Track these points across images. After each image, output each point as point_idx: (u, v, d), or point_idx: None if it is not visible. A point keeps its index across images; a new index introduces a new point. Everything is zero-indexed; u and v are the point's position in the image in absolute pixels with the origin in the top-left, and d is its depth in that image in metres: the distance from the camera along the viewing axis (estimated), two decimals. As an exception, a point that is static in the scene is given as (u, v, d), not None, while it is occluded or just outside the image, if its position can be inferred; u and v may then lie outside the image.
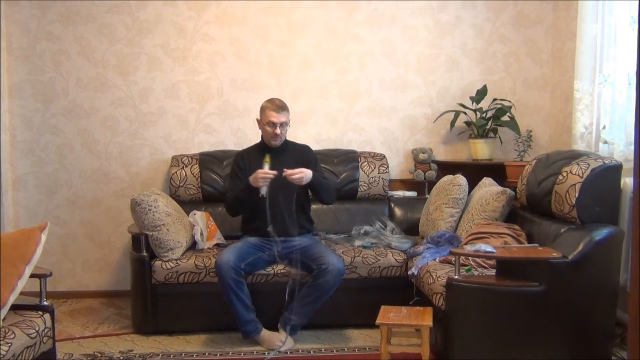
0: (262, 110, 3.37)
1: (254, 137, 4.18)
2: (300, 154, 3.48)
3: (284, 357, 3.08)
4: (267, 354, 3.07)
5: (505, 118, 4.10)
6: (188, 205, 3.88)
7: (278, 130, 3.33)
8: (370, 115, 4.30)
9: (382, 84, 4.29)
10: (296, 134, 4.06)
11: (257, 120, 3.42)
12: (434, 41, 4.29)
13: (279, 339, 3.12)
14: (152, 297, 3.36)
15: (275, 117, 3.31)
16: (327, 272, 3.12)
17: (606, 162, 2.89)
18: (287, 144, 3.49)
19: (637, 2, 2.98)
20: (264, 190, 3.16)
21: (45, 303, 2.51)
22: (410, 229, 3.93)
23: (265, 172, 3.15)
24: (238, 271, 3.12)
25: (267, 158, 3.23)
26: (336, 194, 3.57)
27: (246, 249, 3.29)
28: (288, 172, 3.14)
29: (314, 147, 3.87)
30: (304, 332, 3.28)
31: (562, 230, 2.90)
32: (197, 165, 3.99)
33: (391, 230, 3.81)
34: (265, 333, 3.17)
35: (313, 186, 3.32)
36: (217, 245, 3.64)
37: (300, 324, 3.19)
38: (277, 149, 3.39)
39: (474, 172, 3.91)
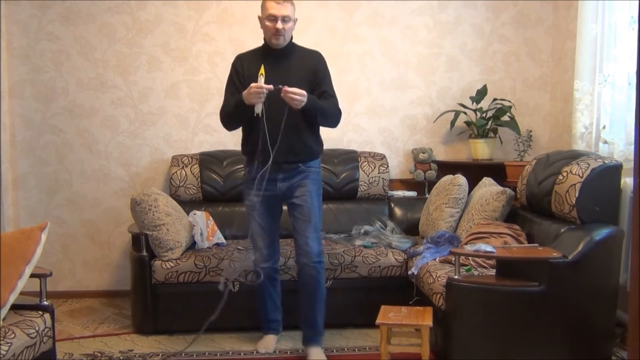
0: (262, 3, 2.91)
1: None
2: (308, 61, 2.97)
3: (284, 357, 3.08)
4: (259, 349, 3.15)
5: (505, 118, 4.10)
6: (188, 205, 3.88)
7: (280, 25, 2.83)
8: (371, 115, 4.30)
9: (382, 84, 4.29)
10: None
11: (259, 17, 2.95)
12: (433, 41, 4.29)
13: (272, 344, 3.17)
14: (152, 297, 3.36)
15: (276, 9, 2.83)
16: (302, 267, 2.98)
17: (606, 162, 2.89)
18: (294, 47, 2.99)
19: (637, 2, 2.98)
20: (258, 108, 2.74)
21: (45, 303, 2.51)
22: (410, 229, 3.93)
23: (259, 86, 2.70)
24: (273, 267, 3.14)
25: (262, 70, 2.75)
26: (338, 120, 3.03)
27: (267, 229, 3.04)
28: (287, 89, 2.69)
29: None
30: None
31: (562, 230, 2.90)
32: (197, 165, 3.99)
33: (391, 230, 3.81)
34: (272, 337, 3.21)
35: (309, 111, 2.84)
36: (217, 245, 3.64)
37: (319, 334, 3.05)
38: (280, 52, 2.93)
39: (474, 172, 3.91)
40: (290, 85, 2.73)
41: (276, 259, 3.16)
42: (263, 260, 3.06)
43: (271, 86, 2.69)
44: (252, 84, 2.72)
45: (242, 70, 2.96)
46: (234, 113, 2.89)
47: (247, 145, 3.00)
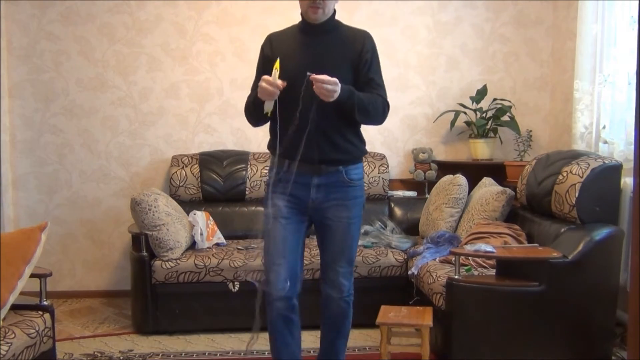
0: None
1: (254, 137, 4.19)
2: (352, 41, 2.35)
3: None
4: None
5: (505, 118, 4.10)
6: (188, 205, 3.88)
7: None
8: (370, 115, 4.29)
9: (382, 84, 4.28)
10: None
11: None
12: (434, 41, 4.29)
13: None
14: (152, 297, 3.36)
15: None
16: (331, 301, 2.41)
17: (606, 162, 2.89)
18: (336, 25, 2.41)
19: (637, 2, 2.98)
20: (268, 106, 2.23)
21: (45, 303, 2.51)
22: (410, 229, 3.93)
23: (269, 80, 2.16)
24: (291, 303, 2.36)
25: (277, 63, 2.18)
26: (384, 117, 2.41)
27: (289, 247, 2.34)
28: (315, 77, 2.12)
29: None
30: (304, 332, 3.24)
31: (562, 230, 2.90)
32: (197, 165, 3.99)
33: (391, 230, 3.81)
34: None
35: (344, 105, 2.23)
36: (217, 245, 3.64)
37: None
38: (319, 29, 2.36)
39: (474, 172, 3.91)
40: (327, 71, 2.15)
41: (295, 291, 2.35)
42: (277, 290, 2.30)
43: (283, 82, 2.17)
44: (263, 77, 2.19)
45: (270, 54, 2.35)
46: (253, 110, 2.37)
47: (274, 140, 2.35)
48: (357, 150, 2.41)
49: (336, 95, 2.15)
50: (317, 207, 2.34)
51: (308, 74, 2.14)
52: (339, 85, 2.15)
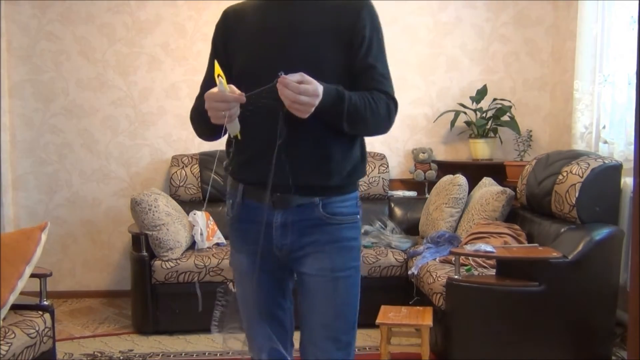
0: None
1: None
2: (341, 12, 1.57)
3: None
4: None
5: (505, 118, 4.10)
6: (188, 205, 3.88)
7: None
8: (370, 115, 4.30)
9: (382, 84, 4.28)
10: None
11: None
12: (434, 41, 4.29)
13: None
14: (152, 297, 3.36)
15: None
16: None
17: (606, 162, 2.89)
18: None
19: (637, 2, 2.98)
20: (233, 129, 1.48)
21: (45, 303, 2.51)
22: (410, 229, 3.93)
23: (215, 96, 1.41)
24: None
25: (217, 67, 1.42)
26: (389, 123, 1.71)
27: (263, 310, 1.69)
28: (284, 81, 1.37)
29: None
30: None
31: (562, 230, 2.90)
32: (197, 165, 3.99)
33: (391, 230, 3.81)
34: None
35: (327, 116, 1.49)
36: (217, 245, 3.64)
37: None
38: None
39: (474, 172, 3.91)
40: (303, 59, 1.50)
41: (289, 354, 1.75)
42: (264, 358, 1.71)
43: (240, 93, 1.41)
44: (208, 94, 1.42)
45: (228, 35, 1.72)
46: (202, 122, 1.54)
47: (230, 159, 1.63)
48: (346, 172, 1.58)
49: (312, 109, 1.40)
50: (288, 256, 1.61)
51: (280, 73, 1.38)
52: (320, 93, 1.40)
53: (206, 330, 3.49)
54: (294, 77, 1.38)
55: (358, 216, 1.65)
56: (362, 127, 1.59)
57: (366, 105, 1.54)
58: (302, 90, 1.37)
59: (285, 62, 1.45)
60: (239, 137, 1.52)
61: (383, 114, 1.61)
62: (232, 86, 1.43)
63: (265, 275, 1.63)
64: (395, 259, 3.47)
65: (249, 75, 1.55)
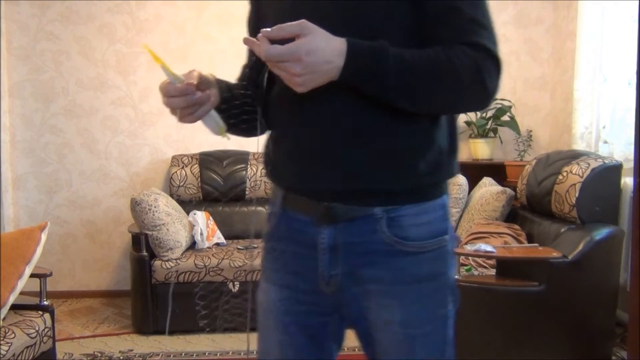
0: None
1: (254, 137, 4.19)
2: None
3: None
4: None
5: (505, 118, 4.10)
6: (188, 205, 3.88)
7: None
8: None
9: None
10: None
11: None
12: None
13: None
14: (152, 297, 3.36)
15: None
16: None
17: (606, 162, 2.89)
18: None
19: (637, 2, 2.98)
20: (213, 127, 1.24)
21: (45, 303, 2.51)
22: (410, 229, 3.92)
23: (168, 88, 1.10)
24: None
25: (149, 51, 1.08)
26: (485, 87, 1.07)
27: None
28: (267, 34, 1.01)
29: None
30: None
31: (562, 230, 2.90)
32: (197, 165, 3.99)
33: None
34: None
35: (364, 88, 1.00)
36: (217, 245, 3.64)
37: None
38: None
39: (474, 172, 3.91)
40: (341, 6, 1.06)
41: None
42: None
43: (189, 85, 1.10)
44: (160, 87, 1.12)
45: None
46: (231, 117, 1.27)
47: (267, 154, 1.25)
48: (424, 168, 1.07)
49: (316, 81, 0.98)
50: (342, 295, 1.12)
51: (263, 30, 1.03)
52: (328, 52, 0.96)
53: (206, 330, 3.50)
54: (289, 29, 0.95)
55: (446, 236, 1.12)
56: (428, 98, 1.04)
57: (434, 63, 1.00)
58: (286, 52, 0.94)
59: (317, 13, 1.00)
60: (225, 136, 1.21)
61: (466, 77, 1.02)
62: (191, 72, 1.09)
63: (300, 330, 1.15)
64: (395, 259, 3.46)
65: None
